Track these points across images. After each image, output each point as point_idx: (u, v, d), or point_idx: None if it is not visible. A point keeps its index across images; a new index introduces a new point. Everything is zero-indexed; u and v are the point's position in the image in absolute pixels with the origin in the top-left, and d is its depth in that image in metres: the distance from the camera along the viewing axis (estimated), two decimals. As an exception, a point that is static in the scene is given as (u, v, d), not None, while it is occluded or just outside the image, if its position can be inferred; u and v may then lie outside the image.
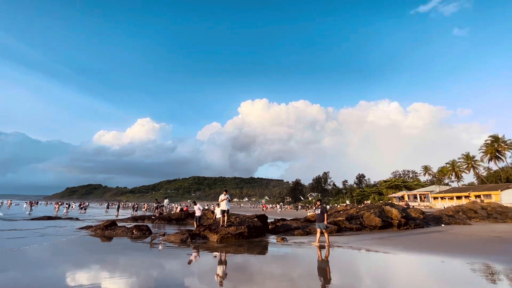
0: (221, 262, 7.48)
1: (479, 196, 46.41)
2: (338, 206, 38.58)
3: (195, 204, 15.48)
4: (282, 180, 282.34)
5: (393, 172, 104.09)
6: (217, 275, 6.15)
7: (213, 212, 22.51)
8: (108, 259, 7.81)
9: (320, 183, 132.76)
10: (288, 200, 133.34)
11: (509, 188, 45.51)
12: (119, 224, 15.80)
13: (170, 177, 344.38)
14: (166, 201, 27.61)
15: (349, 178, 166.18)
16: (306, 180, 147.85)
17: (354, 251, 9.02)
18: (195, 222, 14.45)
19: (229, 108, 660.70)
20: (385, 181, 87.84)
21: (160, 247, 9.64)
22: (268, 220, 15.63)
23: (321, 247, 9.71)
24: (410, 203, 47.93)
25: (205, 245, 9.98)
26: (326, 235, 9.95)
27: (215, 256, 8.31)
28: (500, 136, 63.78)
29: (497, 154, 63.24)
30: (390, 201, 50.67)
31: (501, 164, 65.43)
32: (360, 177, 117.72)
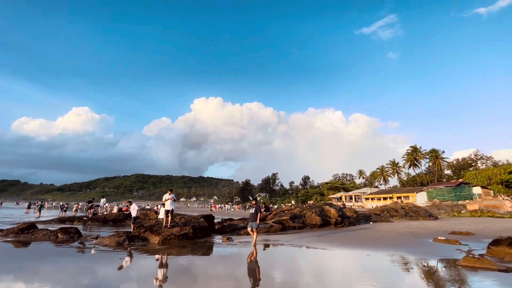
0: (162, 265, 7.11)
1: (400, 197, 54.03)
2: (284, 206, 40.53)
3: (131, 204, 14.41)
4: (232, 180, 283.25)
5: (334, 175, 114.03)
6: (157, 279, 5.82)
7: (156, 212, 21.27)
8: (24, 267, 6.67)
9: (269, 183, 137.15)
10: (237, 200, 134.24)
11: (422, 191, 54.10)
12: (41, 226, 13.68)
13: (109, 174, 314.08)
14: (102, 200, 24.98)
15: (296, 179, 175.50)
16: (256, 181, 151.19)
17: (296, 249, 9.55)
18: (131, 224, 13.41)
19: (181, 103, 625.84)
20: (326, 183, 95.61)
21: (92, 251, 8.67)
22: (215, 220, 15.47)
23: (266, 246, 10.04)
24: (346, 203, 53.08)
25: (145, 248, 9.35)
26: (255, 234, 9.90)
27: (157, 259, 7.85)
28: (418, 147, 75.61)
29: (415, 162, 74.75)
30: (329, 201, 55.25)
31: (417, 171, 77.65)
32: (305, 179, 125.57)
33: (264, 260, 8.06)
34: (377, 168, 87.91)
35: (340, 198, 71.02)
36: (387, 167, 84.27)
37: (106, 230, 15.29)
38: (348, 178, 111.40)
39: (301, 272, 6.76)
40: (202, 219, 12.59)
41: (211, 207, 68.53)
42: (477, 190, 47.76)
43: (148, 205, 63.78)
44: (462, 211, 30.03)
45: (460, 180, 58.08)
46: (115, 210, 25.38)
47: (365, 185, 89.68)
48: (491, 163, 74.28)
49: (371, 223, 19.28)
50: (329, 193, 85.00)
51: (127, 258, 7.83)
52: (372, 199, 62.86)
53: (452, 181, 61.19)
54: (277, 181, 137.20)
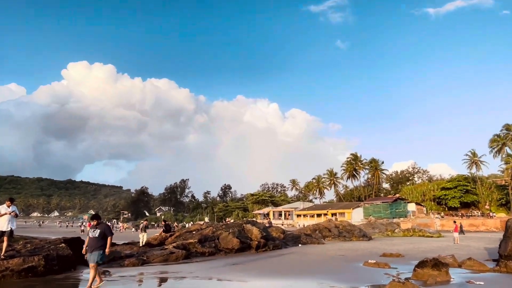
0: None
1: (335, 214, 61.18)
2: (192, 224, 40.29)
3: None
4: (121, 188, 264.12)
5: (263, 185, 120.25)
6: None
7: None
8: None
9: (175, 193, 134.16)
10: (126, 216, 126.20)
11: (359, 206, 62.76)
12: None
13: None
14: None
15: (213, 188, 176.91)
16: (157, 189, 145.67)
17: (202, 282, 9.62)
18: None
19: (45, 66, 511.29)
20: (252, 195, 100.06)
21: None
22: (87, 246, 14.15)
23: (162, 280, 9.74)
24: (274, 221, 56.70)
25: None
26: (93, 271, 7.45)
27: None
28: (359, 156, 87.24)
29: (354, 172, 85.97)
30: (254, 219, 58.00)
31: (356, 183, 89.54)
32: (226, 188, 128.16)
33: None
34: (313, 178, 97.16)
35: (268, 214, 75.36)
36: (324, 177, 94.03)
37: None
38: (279, 189, 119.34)
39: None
40: (63, 244, 11.32)
41: (83, 226, 62.20)
42: (411, 207, 58.53)
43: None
44: (396, 230, 36.24)
45: (397, 195, 69.93)
46: None
47: (298, 199, 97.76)
48: (426, 178, 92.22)
49: (300, 245, 21.10)
50: (255, 207, 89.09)
51: None
52: (304, 215, 69.06)
53: (390, 196, 73.10)
54: (187, 190, 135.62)
